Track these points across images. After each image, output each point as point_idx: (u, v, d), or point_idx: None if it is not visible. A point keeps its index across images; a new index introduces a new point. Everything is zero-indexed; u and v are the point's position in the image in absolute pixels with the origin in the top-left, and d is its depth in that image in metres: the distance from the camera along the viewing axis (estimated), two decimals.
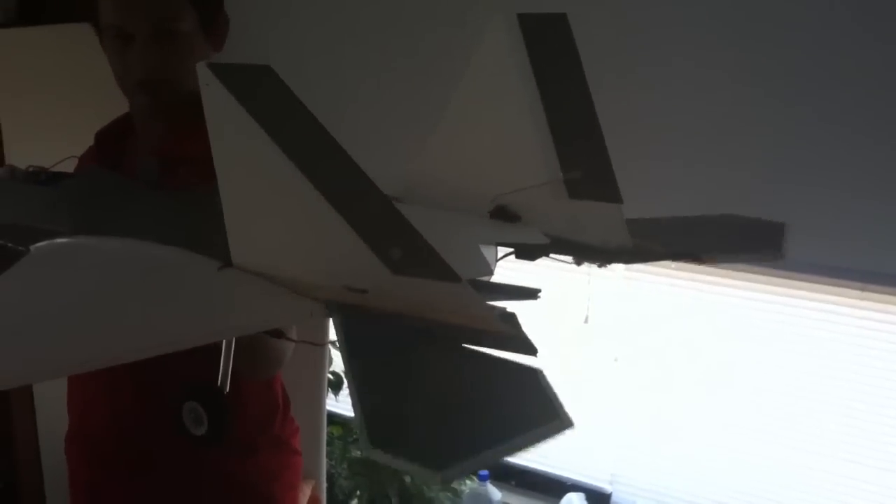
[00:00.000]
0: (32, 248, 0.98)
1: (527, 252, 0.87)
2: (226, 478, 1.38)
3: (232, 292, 0.72)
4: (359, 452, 2.58)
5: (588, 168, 0.89)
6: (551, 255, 0.88)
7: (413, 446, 0.51)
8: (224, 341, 0.86)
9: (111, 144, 1.41)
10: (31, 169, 1.18)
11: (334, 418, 2.57)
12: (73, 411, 1.46)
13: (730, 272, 2.26)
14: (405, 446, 0.51)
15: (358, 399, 0.53)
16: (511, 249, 0.89)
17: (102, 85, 2.71)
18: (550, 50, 0.93)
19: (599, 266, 0.87)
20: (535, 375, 0.57)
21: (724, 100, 2.01)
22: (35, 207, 1.09)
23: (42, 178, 1.16)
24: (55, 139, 2.53)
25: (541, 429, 0.53)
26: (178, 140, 1.30)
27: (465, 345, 0.61)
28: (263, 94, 0.63)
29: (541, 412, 0.55)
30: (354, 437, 2.60)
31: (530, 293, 0.76)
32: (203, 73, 0.63)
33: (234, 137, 0.65)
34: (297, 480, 1.54)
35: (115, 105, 2.45)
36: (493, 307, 0.63)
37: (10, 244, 1.06)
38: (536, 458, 2.70)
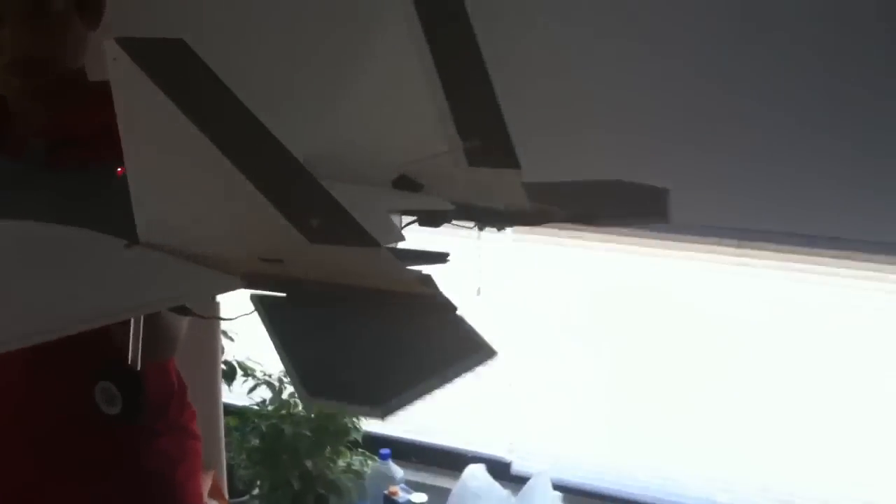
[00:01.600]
0: None
1: (430, 219, 0.89)
2: (125, 464, 1.36)
3: (142, 269, 0.72)
4: (257, 442, 2.56)
5: (486, 136, 0.92)
6: (453, 221, 0.91)
7: (349, 389, 0.53)
8: (133, 319, 0.85)
9: None
10: None
11: (229, 409, 2.54)
12: None
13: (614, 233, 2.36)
14: (342, 390, 0.53)
15: (288, 357, 0.55)
16: (414, 218, 0.91)
17: None
18: (442, 20, 0.95)
19: (499, 230, 0.90)
20: (453, 314, 0.61)
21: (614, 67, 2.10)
22: None
23: None
24: None
25: (468, 360, 0.57)
26: (60, 121, 1.28)
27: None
28: (175, 67, 0.62)
29: (465, 345, 0.59)
30: (251, 427, 2.58)
31: (439, 257, 0.78)
32: (111, 48, 0.62)
33: (144, 113, 0.64)
34: (198, 465, 1.52)
35: None
36: (411, 270, 0.65)
37: None
38: (436, 433, 2.75)
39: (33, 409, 1.33)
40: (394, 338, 0.61)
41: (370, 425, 2.66)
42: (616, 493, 2.54)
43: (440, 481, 2.69)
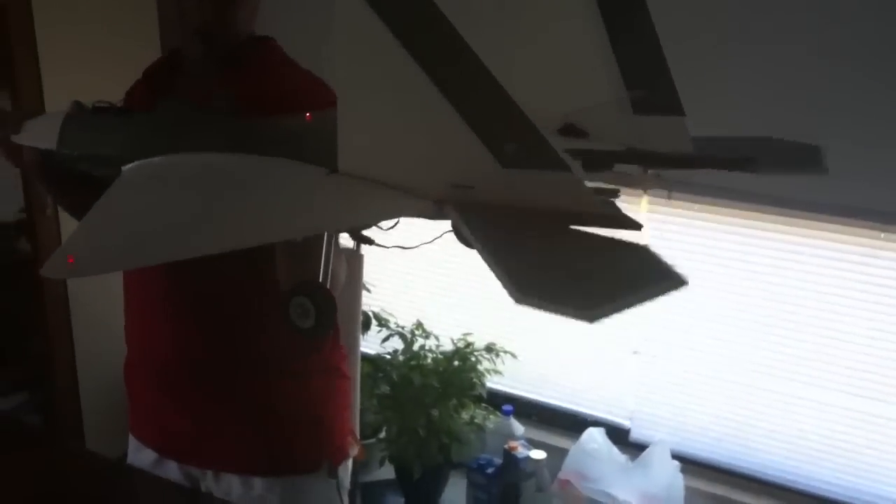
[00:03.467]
0: (126, 168, 1.06)
1: (597, 161, 0.94)
2: (280, 401, 1.46)
3: (342, 193, 0.80)
4: (387, 389, 2.67)
5: (651, 86, 0.96)
6: (618, 164, 0.96)
7: (559, 293, 0.59)
8: (325, 242, 0.94)
9: (161, 81, 1.47)
10: (99, 104, 1.25)
11: (362, 356, 2.65)
12: (134, 340, 1.53)
13: (744, 214, 2.35)
14: (552, 294, 0.59)
15: (496, 262, 0.61)
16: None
17: (135, 22, 2.78)
18: None
19: (662, 171, 0.95)
20: (644, 247, 0.66)
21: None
22: (117, 139, 1.16)
23: (112, 112, 1.23)
24: (91, 73, 2.62)
25: (662, 284, 0.61)
26: (235, 83, 1.37)
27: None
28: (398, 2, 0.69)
29: (658, 269, 0.63)
30: (382, 374, 2.70)
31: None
32: None
33: (361, 43, 0.72)
34: (348, 403, 1.62)
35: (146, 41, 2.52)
36: (596, 194, 0.71)
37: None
38: (558, 394, 2.81)
39: (197, 348, 1.43)
40: (591, 254, 0.66)
41: (494, 382, 2.74)
42: (733, 466, 2.55)
43: (559, 441, 2.75)
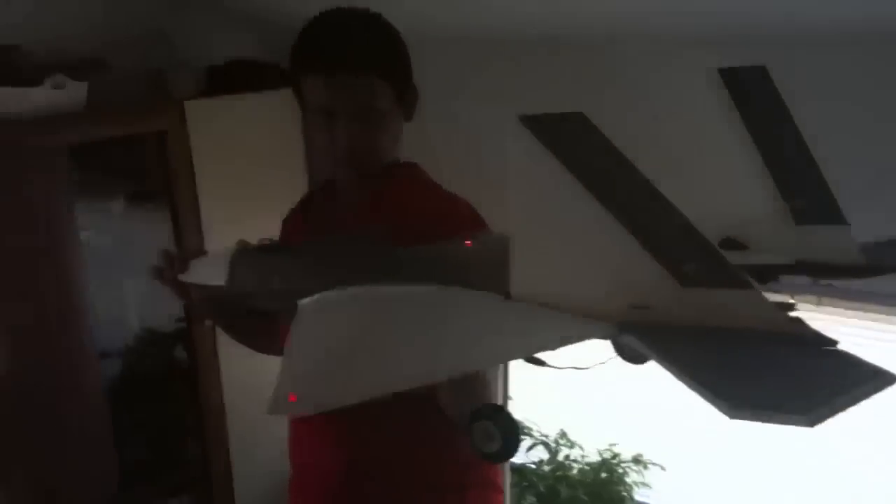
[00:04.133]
0: (304, 304, 1.12)
1: (761, 275, 0.95)
2: None
3: (528, 316, 0.83)
4: (534, 500, 2.65)
5: (810, 196, 0.98)
6: (783, 275, 0.96)
7: (771, 402, 0.59)
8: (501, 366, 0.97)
9: (315, 210, 1.56)
10: (263, 241, 1.34)
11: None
12: (297, 459, 1.58)
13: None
14: (764, 403, 0.59)
15: (694, 380, 0.62)
16: None
17: (286, 151, 2.95)
18: (755, 97, 1.03)
19: (833, 281, 0.95)
20: (836, 346, 0.66)
21: None
22: (284, 274, 1.22)
23: (275, 248, 1.30)
24: (245, 200, 2.79)
25: (872, 382, 0.61)
26: (382, 207, 1.44)
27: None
28: (571, 136, 0.74)
29: (863, 370, 0.63)
30: (526, 483, 2.68)
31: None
32: (512, 126, 0.76)
33: (534, 176, 0.77)
34: None
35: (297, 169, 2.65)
36: (781, 310, 0.72)
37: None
38: None
39: (365, 469, 1.46)
40: (786, 362, 0.67)
41: (644, 495, 2.67)
42: None
43: None
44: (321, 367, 0.91)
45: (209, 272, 1.36)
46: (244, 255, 1.31)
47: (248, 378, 2.91)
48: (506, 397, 0.96)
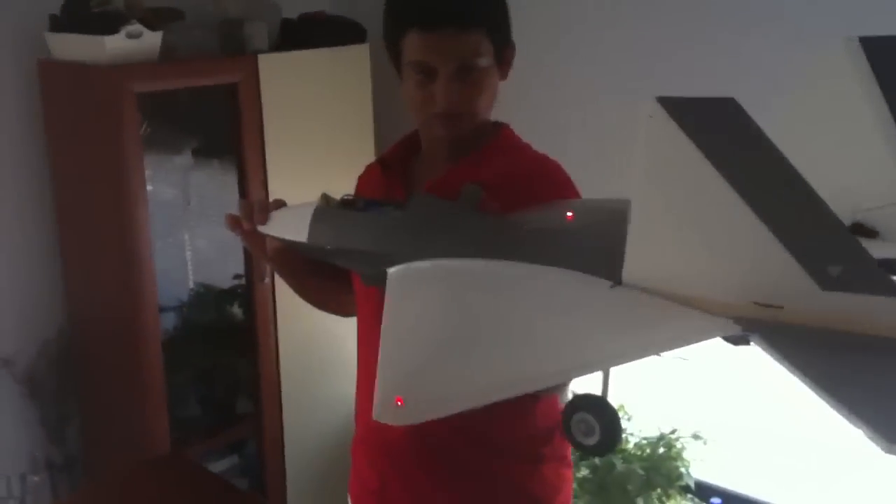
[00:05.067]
0: (394, 273, 1.09)
1: (891, 267, 0.89)
2: (515, 488, 1.45)
3: (643, 311, 0.79)
4: (587, 472, 2.63)
5: None
6: None
7: None
8: None
9: (397, 167, 1.52)
10: (347, 198, 1.30)
11: None
12: (364, 418, 1.56)
13: None
14: None
15: (845, 407, 0.58)
16: None
17: (355, 108, 2.91)
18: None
19: None
20: None
21: None
22: (368, 233, 1.19)
23: (360, 205, 1.27)
24: (312, 157, 2.77)
25: None
26: (477, 168, 1.40)
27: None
28: (713, 124, 0.70)
29: None
30: (580, 455, 2.65)
31: None
32: (647, 106, 0.71)
33: (667, 164, 0.72)
34: (570, 493, 1.59)
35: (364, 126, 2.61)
36: None
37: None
38: (767, 488, 2.67)
39: (431, 430, 1.43)
40: None
41: (701, 473, 2.64)
42: None
43: None
44: (429, 364, 0.87)
45: (290, 225, 1.34)
46: (325, 210, 1.29)
47: (303, 337, 2.93)
48: (605, 385, 0.90)
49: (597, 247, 0.90)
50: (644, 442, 2.64)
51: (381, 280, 1.22)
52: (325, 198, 1.30)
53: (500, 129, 1.48)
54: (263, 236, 1.43)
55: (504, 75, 1.43)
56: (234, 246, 2.76)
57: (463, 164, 1.42)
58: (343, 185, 2.88)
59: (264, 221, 1.39)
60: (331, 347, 3.05)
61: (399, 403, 0.84)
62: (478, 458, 1.43)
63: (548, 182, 1.38)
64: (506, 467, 1.44)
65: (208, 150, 2.78)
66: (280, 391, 2.89)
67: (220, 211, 2.68)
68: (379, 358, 0.93)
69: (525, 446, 1.46)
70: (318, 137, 2.86)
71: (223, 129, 2.69)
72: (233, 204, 2.59)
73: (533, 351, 0.83)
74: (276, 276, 2.75)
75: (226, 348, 2.95)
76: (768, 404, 2.72)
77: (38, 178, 2.60)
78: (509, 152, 1.44)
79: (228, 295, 2.93)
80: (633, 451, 2.61)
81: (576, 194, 1.38)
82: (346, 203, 1.29)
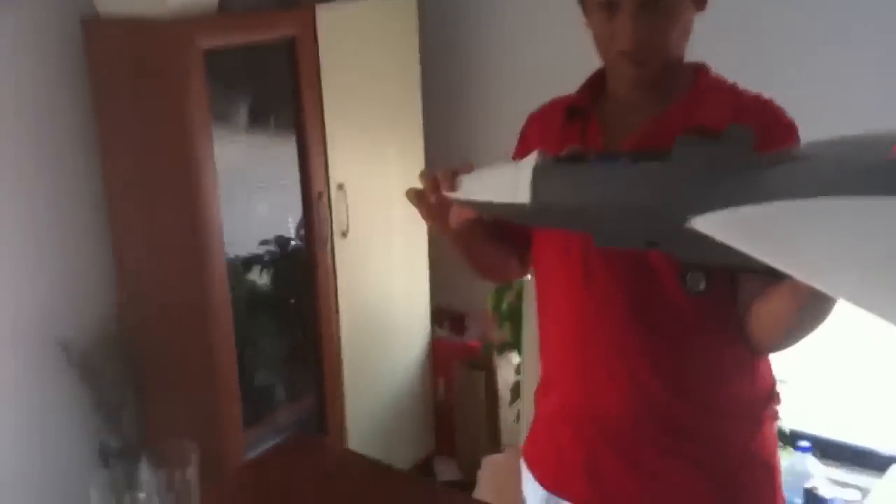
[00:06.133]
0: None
1: None
2: (740, 450, 1.37)
3: None
4: None
5: None
6: None
7: None
8: None
9: (589, 112, 1.38)
10: (574, 150, 1.19)
11: None
12: (565, 387, 1.44)
13: None
14: None
15: None
16: None
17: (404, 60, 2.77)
18: None
19: None
20: None
21: None
22: (623, 188, 1.09)
23: (592, 158, 1.17)
24: (367, 111, 2.62)
25: None
26: (692, 110, 1.29)
27: None
28: None
29: None
30: None
31: None
32: None
33: None
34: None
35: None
36: None
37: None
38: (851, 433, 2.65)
39: (658, 399, 1.34)
40: None
41: (789, 421, 2.60)
42: None
43: (857, 480, 2.59)
44: None
45: (495, 187, 1.22)
46: (556, 166, 1.17)
47: (362, 308, 2.82)
48: None
49: None
50: None
51: (624, 239, 1.12)
52: (542, 154, 1.19)
53: (699, 69, 1.37)
54: (447, 208, 1.31)
55: (701, 6, 1.30)
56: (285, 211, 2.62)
57: (676, 106, 1.30)
58: (395, 137, 2.76)
59: (453, 188, 1.27)
60: (388, 314, 2.95)
61: None
62: (703, 422, 1.34)
63: (778, 124, 1.27)
64: (731, 429, 1.36)
65: (266, 108, 2.61)
66: (341, 362, 2.78)
67: (280, 174, 2.55)
68: None
69: (747, 407, 1.37)
70: (371, 91, 2.72)
71: (278, 86, 2.53)
72: (292, 168, 2.44)
73: None
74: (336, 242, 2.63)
75: (283, 319, 2.82)
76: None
77: (85, 149, 2.41)
78: (722, 92, 1.33)
79: (287, 261, 2.77)
80: None
81: (797, 138, 1.28)
82: (571, 158, 1.18)
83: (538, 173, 1.16)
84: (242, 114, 2.53)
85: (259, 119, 2.61)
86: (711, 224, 0.97)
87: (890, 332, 2.38)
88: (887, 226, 0.83)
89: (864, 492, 2.47)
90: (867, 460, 2.61)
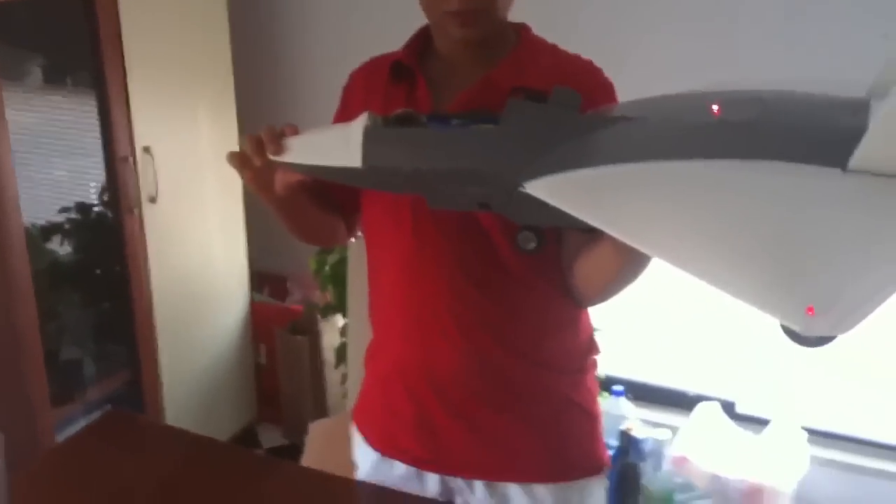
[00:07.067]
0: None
1: None
2: (566, 401, 1.41)
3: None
4: None
5: None
6: None
7: None
8: None
9: (414, 71, 1.34)
10: (402, 113, 1.17)
11: None
12: (395, 348, 1.43)
13: None
14: None
15: None
16: None
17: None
18: None
19: None
20: None
21: None
22: (456, 150, 1.08)
23: (423, 121, 1.16)
24: (175, 73, 2.49)
25: None
26: (517, 70, 1.29)
27: None
28: None
29: None
30: None
31: None
32: None
33: None
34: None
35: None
36: None
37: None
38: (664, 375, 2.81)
39: (488, 357, 1.36)
40: None
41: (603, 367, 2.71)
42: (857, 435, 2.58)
43: (666, 419, 2.75)
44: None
45: (323, 150, 1.18)
46: (386, 129, 1.14)
47: (176, 276, 2.70)
48: None
49: (745, 134, 0.88)
50: None
51: (456, 201, 1.12)
52: (373, 116, 1.15)
53: (521, 28, 1.37)
54: (272, 172, 1.26)
55: None
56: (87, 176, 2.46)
57: (503, 67, 1.30)
58: (205, 97, 2.64)
59: (280, 151, 1.21)
60: (204, 281, 2.84)
61: (810, 313, 0.77)
62: (531, 376, 1.37)
63: (596, 83, 1.30)
64: (557, 381, 1.39)
65: (62, 68, 2.42)
66: (154, 332, 2.66)
67: (80, 138, 2.38)
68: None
69: (572, 359, 1.41)
70: (177, 49, 2.58)
71: (75, 43, 2.35)
72: (93, 131, 2.29)
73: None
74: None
75: (90, 291, 2.65)
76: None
77: None
78: (545, 53, 1.34)
79: (92, 228, 2.61)
80: None
81: (616, 97, 1.32)
82: (402, 120, 1.15)
83: (369, 136, 1.13)
84: (36, 73, 2.33)
85: (55, 79, 2.41)
86: (542, 188, 0.99)
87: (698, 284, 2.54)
88: (704, 187, 0.87)
89: (674, 430, 2.63)
90: (676, 400, 2.79)
